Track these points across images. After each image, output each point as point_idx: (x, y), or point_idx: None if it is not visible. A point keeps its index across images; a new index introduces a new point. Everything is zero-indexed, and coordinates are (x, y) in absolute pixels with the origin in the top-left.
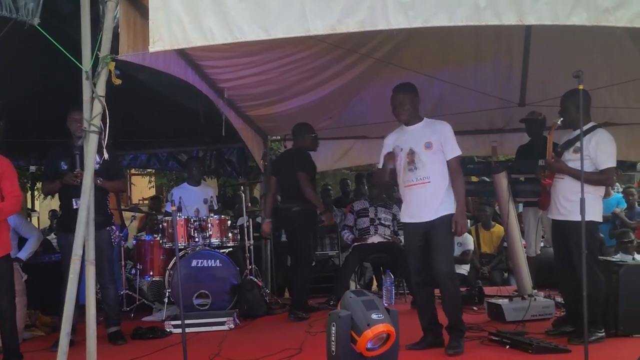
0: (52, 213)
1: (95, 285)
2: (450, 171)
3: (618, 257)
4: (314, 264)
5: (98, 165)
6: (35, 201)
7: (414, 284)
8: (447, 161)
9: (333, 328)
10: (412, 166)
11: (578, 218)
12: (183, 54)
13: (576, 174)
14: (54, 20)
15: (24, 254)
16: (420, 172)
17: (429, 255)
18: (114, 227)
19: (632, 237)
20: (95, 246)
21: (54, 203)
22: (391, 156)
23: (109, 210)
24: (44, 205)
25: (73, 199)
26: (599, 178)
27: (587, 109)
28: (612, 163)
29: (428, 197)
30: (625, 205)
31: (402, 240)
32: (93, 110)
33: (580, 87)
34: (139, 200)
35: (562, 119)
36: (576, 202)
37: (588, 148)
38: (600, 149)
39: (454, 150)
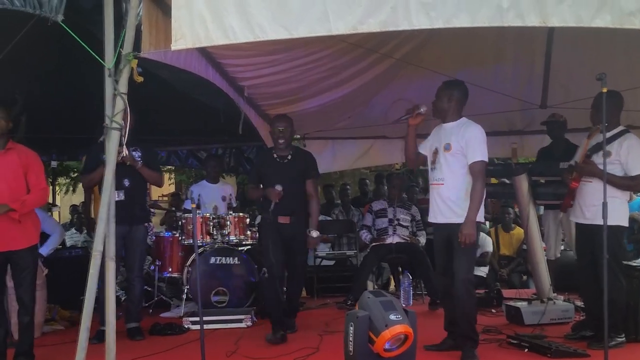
0: (73, 208)
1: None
2: (471, 174)
3: (638, 262)
4: (265, 273)
5: (139, 160)
6: (57, 196)
7: (440, 284)
8: (469, 164)
9: (351, 328)
10: (433, 165)
11: (598, 222)
12: (204, 52)
13: (609, 179)
14: (77, 17)
15: (45, 250)
16: (438, 173)
17: (450, 260)
18: (151, 224)
19: None
20: (131, 240)
21: (75, 198)
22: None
23: (148, 206)
24: (65, 200)
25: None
26: (630, 183)
27: (619, 112)
28: None
29: (442, 199)
30: None
31: (421, 242)
32: (115, 107)
33: (604, 89)
34: (159, 196)
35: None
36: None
37: (619, 153)
38: (631, 155)
39: (476, 155)
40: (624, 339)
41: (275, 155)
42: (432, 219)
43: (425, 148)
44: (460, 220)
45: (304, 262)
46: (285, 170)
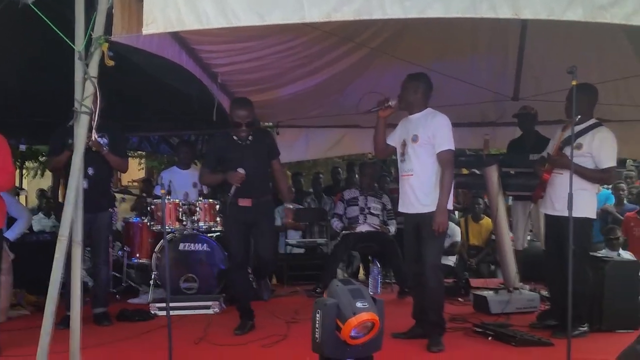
0: (41, 192)
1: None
2: (440, 164)
3: (604, 252)
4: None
5: (105, 143)
6: (24, 180)
7: (410, 273)
8: (437, 153)
9: (318, 315)
10: (402, 157)
11: (574, 214)
12: (177, 37)
13: (580, 171)
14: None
15: (11, 234)
16: (407, 164)
17: (419, 248)
18: (115, 209)
19: (619, 234)
20: (96, 227)
21: (44, 182)
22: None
23: (112, 192)
24: (33, 184)
25: None
26: (601, 176)
27: (593, 105)
28: (613, 162)
29: (413, 190)
30: (613, 201)
31: (391, 231)
32: (85, 91)
33: (574, 82)
34: (129, 182)
35: (579, 116)
36: (574, 199)
37: (591, 145)
38: (603, 148)
39: (445, 144)
40: (587, 328)
41: (235, 138)
42: (402, 208)
43: (393, 139)
44: (429, 209)
45: (271, 243)
46: (247, 153)
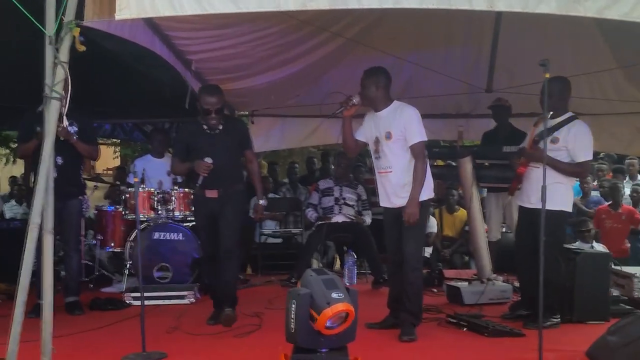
0: (13, 179)
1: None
2: (413, 156)
3: (577, 244)
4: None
5: (74, 131)
6: None
7: (390, 264)
8: (409, 146)
9: (293, 306)
10: (377, 155)
11: (550, 207)
12: (151, 23)
13: (556, 165)
14: None
15: None
16: (383, 162)
17: (400, 240)
18: (85, 197)
19: (590, 226)
20: (66, 215)
21: (16, 169)
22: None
23: (82, 179)
24: (5, 172)
25: None
26: (576, 170)
27: (567, 98)
28: (589, 155)
29: (392, 186)
30: (581, 194)
31: (366, 221)
32: (55, 76)
33: (547, 75)
34: (103, 170)
35: (552, 112)
36: (550, 192)
37: (567, 139)
38: (578, 141)
39: (416, 136)
40: (559, 319)
41: (205, 127)
42: (383, 203)
43: (363, 135)
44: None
45: (232, 231)
46: (217, 142)
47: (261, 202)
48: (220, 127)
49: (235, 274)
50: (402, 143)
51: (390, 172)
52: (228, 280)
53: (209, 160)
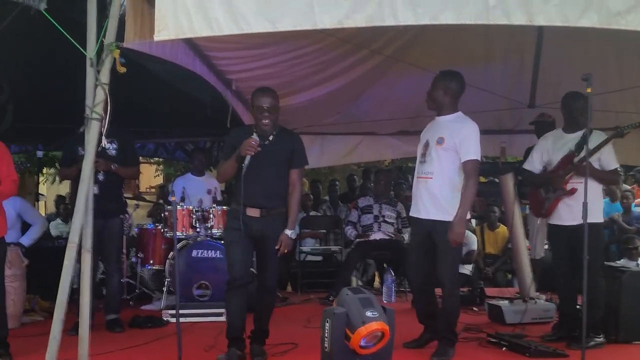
0: (59, 198)
1: (91, 273)
2: (464, 172)
3: (622, 262)
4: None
5: (115, 152)
6: (43, 186)
7: (412, 280)
8: (462, 162)
9: (327, 325)
10: (423, 158)
11: (592, 220)
12: (191, 44)
13: (600, 176)
14: (60, 5)
15: (26, 240)
16: (427, 166)
17: (433, 259)
18: (127, 215)
19: (638, 244)
20: (107, 235)
21: (62, 189)
22: None
23: (124, 198)
24: (52, 190)
25: None
26: (613, 178)
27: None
28: (617, 163)
29: (428, 193)
30: (622, 211)
31: (405, 239)
32: (96, 97)
33: (588, 90)
34: (146, 188)
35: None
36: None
37: (599, 156)
38: (605, 150)
39: (470, 153)
40: (603, 339)
41: (255, 133)
42: (414, 213)
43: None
44: (445, 217)
45: (274, 269)
46: (265, 152)
47: (288, 232)
48: (271, 138)
49: (272, 311)
50: (452, 153)
51: (431, 178)
52: (262, 318)
53: (255, 138)
